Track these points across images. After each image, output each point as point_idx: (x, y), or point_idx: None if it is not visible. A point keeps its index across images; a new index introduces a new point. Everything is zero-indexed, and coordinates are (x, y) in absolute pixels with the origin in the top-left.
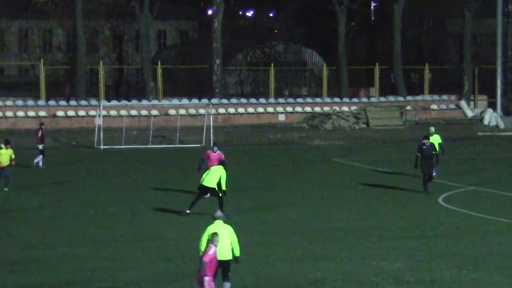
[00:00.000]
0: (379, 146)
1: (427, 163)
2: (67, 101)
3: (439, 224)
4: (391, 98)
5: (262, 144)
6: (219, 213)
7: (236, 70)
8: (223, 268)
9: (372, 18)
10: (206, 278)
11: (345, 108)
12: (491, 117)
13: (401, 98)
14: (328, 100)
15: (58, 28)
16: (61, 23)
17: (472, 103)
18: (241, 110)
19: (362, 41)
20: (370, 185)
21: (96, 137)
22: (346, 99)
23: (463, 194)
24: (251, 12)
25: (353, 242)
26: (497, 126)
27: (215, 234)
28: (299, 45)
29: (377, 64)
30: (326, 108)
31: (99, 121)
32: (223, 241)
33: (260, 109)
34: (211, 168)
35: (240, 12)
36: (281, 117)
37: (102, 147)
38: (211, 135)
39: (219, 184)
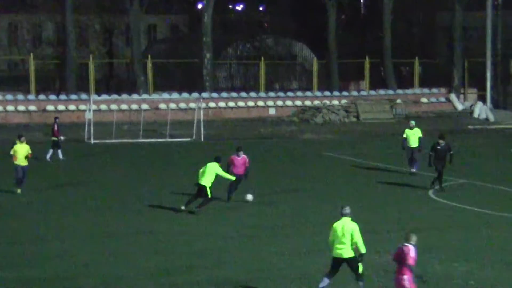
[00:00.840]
0: (369, 140)
1: (441, 163)
2: (57, 96)
3: (430, 217)
4: (381, 92)
5: (253, 138)
6: (347, 210)
7: (226, 64)
8: (348, 266)
9: (362, 12)
10: (405, 277)
11: (335, 102)
12: (481, 110)
13: (391, 92)
14: (318, 93)
15: (48, 22)
16: (51, 17)
17: (462, 96)
18: (231, 104)
19: (352, 34)
20: (361, 179)
21: (86, 131)
22: (336, 93)
23: (454, 187)
24: (241, 6)
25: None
26: (487, 119)
27: (410, 234)
28: (289, 39)
29: (367, 57)
30: (317, 102)
31: (89, 116)
32: (342, 238)
33: (251, 103)
34: (208, 165)
35: (230, 6)
36: (272, 111)
37: (92, 141)
38: (202, 129)
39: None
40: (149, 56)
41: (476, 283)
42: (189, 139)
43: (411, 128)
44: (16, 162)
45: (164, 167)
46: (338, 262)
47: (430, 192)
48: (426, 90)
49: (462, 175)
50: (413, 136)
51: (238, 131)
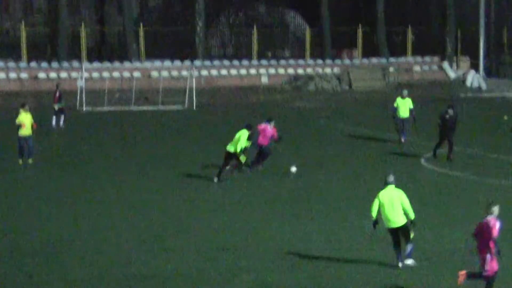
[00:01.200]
0: (361, 108)
1: (451, 132)
2: (49, 63)
3: (421, 185)
4: (374, 60)
5: (246, 106)
6: (391, 178)
7: (218, 32)
8: (401, 233)
9: None
10: (488, 256)
11: (327, 70)
12: (474, 79)
13: (383, 60)
14: (310, 62)
15: None
16: None
17: (454, 64)
18: (224, 72)
19: (345, 2)
20: (353, 146)
21: (78, 99)
22: (328, 61)
23: (445, 155)
24: None
25: (336, 202)
26: (479, 87)
27: (492, 205)
28: (282, 7)
29: (360, 25)
30: (309, 70)
31: (81, 83)
32: (393, 207)
33: (243, 71)
34: (238, 132)
35: None
36: (264, 79)
37: (84, 109)
38: (194, 97)
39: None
40: (141, 24)
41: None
42: (181, 107)
43: (403, 97)
44: (22, 133)
45: (155, 135)
46: (395, 231)
47: (422, 160)
48: (418, 58)
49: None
50: (404, 105)
51: (230, 99)
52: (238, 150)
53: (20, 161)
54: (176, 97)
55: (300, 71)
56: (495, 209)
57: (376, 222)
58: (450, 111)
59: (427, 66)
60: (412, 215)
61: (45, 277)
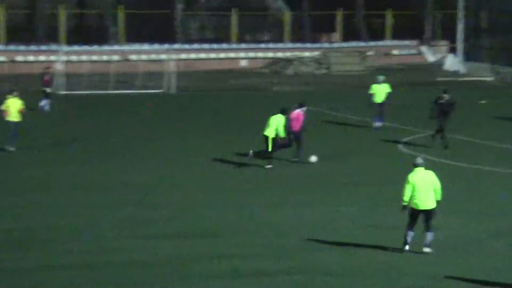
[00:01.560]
0: (340, 92)
1: (444, 118)
2: (27, 46)
3: (398, 170)
4: (353, 44)
5: (224, 89)
6: (419, 160)
7: (198, 15)
8: (426, 217)
9: None
10: None
11: (306, 54)
12: (452, 63)
13: (362, 44)
14: (290, 45)
15: None
16: None
17: (433, 48)
18: (202, 55)
19: None
20: (331, 131)
21: (56, 82)
22: (308, 45)
23: (423, 139)
24: None
25: (314, 187)
26: (457, 71)
27: None
28: None
29: (339, 9)
30: (288, 54)
31: (59, 66)
32: (426, 189)
33: (222, 55)
34: (273, 117)
35: None
36: (243, 63)
37: (62, 92)
38: (173, 81)
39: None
40: (120, 7)
41: (440, 229)
42: (160, 90)
43: (379, 83)
44: (9, 118)
45: (134, 118)
46: (418, 213)
47: (400, 146)
48: (397, 42)
49: (432, 127)
50: (381, 91)
51: (210, 82)
52: (273, 135)
53: (12, 148)
54: (155, 80)
55: (279, 54)
56: None
57: (404, 207)
58: (445, 96)
59: (405, 50)
60: (439, 197)
61: (20, 264)
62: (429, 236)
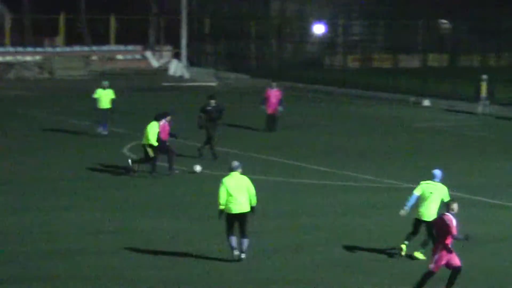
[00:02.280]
0: (63, 96)
1: (213, 124)
2: None
3: (116, 174)
4: (77, 48)
5: None
6: (235, 163)
7: None
8: (240, 222)
9: None
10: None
11: (28, 58)
12: (176, 68)
13: (86, 48)
14: (11, 49)
15: None
16: None
17: (158, 53)
18: None
19: None
20: (54, 136)
21: None
22: (30, 49)
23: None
24: None
25: (50, 190)
26: (182, 76)
27: (452, 203)
28: None
29: (62, 13)
30: (9, 58)
31: None
32: (240, 193)
33: None
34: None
35: None
36: None
37: None
38: None
39: None
40: None
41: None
42: None
43: (104, 88)
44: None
45: None
46: (233, 218)
47: (125, 149)
48: (122, 47)
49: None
50: (106, 96)
51: None
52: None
53: None
54: None
55: (0, 59)
56: (455, 207)
57: (222, 212)
58: (212, 102)
59: (130, 55)
60: (254, 202)
61: None
62: (245, 242)
